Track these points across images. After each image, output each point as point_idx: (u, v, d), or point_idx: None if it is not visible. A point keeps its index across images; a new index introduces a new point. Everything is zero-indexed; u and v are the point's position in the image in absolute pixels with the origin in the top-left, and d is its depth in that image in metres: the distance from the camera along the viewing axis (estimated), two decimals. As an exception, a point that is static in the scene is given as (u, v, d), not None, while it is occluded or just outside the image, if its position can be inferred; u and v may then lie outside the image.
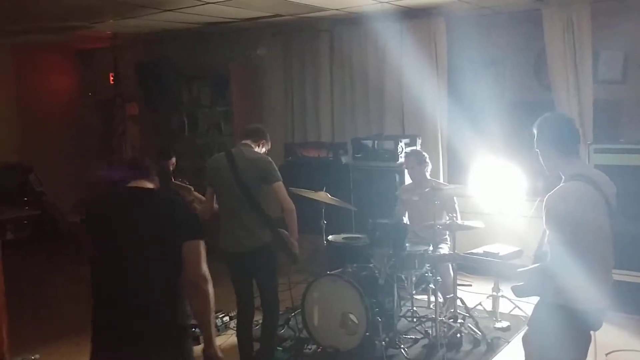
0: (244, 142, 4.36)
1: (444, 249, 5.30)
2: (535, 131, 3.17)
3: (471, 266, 5.58)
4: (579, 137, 3.18)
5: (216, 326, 5.32)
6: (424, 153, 5.61)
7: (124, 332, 2.70)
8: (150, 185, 2.95)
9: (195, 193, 4.74)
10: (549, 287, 3.01)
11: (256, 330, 4.58)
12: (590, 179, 3.00)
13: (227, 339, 5.25)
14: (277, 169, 4.25)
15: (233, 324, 5.35)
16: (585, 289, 2.91)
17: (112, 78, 9.03)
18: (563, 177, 3.08)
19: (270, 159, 4.32)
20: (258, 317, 4.56)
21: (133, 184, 2.93)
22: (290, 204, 4.21)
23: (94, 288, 2.82)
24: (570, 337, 3.01)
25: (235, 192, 4.17)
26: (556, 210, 2.94)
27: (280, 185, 4.19)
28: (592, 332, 3.14)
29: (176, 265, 2.73)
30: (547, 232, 3.04)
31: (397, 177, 6.35)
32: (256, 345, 4.49)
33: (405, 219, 5.57)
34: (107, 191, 2.88)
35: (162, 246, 2.74)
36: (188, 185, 4.85)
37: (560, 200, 2.95)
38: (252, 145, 4.35)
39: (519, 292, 3.15)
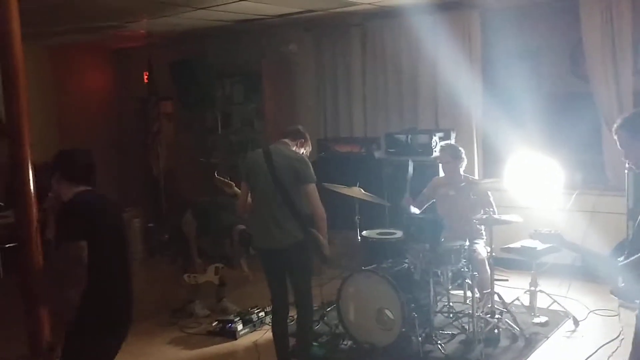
0: (282, 140, 4.38)
1: (480, 244, 5.24)
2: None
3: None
4: None
5: (252, 322, 5.40)
6: (460, 148, 5.53)
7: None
8: None
9: (236, 189, 4.79)
10: None
11: (291, 325, 4.60)
12: None
13: (262, 335, 5.28)
14: (311, 169, 4.22)
15: (269, 319, 5.38)
16: None
17: (146, 77, 9.13)
18: None
19: (306, 158, 4.31)
20: (293, 313, 4.57)
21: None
22: (318, 209, 4.15)
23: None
24: None
25: (270, 189, 4.19)
26: None
27: (311, 187, 4.15)
28: None
29: None
30: None
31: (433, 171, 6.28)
32: (292, 341, 4.50)
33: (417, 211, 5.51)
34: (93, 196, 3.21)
35: None
36: (230, 181, 4.94)
37: None
38: (290, 144, 4.36)
39: (622, 295, 3.00)
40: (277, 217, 4.19)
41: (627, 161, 3.11)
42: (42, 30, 7.34)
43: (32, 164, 5.00)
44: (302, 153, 4.42)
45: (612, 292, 3.03)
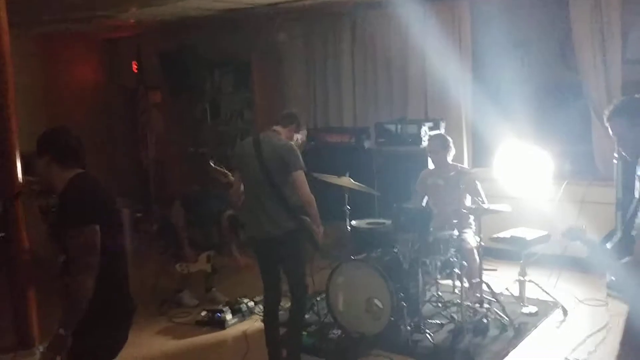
0: (274, 128, 4.33)
1: (469, 233, 5.25)
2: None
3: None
4: None
5: (241, 311, 5.40)
6: (448, 137, 5.54)
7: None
8: None
9: (231, 177, 4.75)
10: None
11: (282, 315, 4.59)
12: None
13: (252, 324, 5.28)
14: (299, 156, 4.17)
15: (257, 309, 5.39)
16: None
17: (135, 66, 9.08)
18: None
19: (293, 145, 4.25)
20: (284, 302, 4.56)
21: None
22: (307, 196, 4.11)
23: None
24: None
25: (259, 179, 4.16)
26: None
27: (299, 174, 4.11)
28: None
29: None
30: None
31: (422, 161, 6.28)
32: (282, 330, 4.49)
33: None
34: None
35: None
36: (225, 170, 4.90)
37: None
38: (281, 131, 4.32)
39: (616, 287, 3.03)
40: (266, 207, 4.17)
41: (619, 149, 3.08)
42: (30, 19, 7.27)
43: (19, 154, 4.98)
44: (297, 139, 4.38)
45: (607, 286, 3.07)
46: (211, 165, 4.98)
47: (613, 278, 3.04)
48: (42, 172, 2.99)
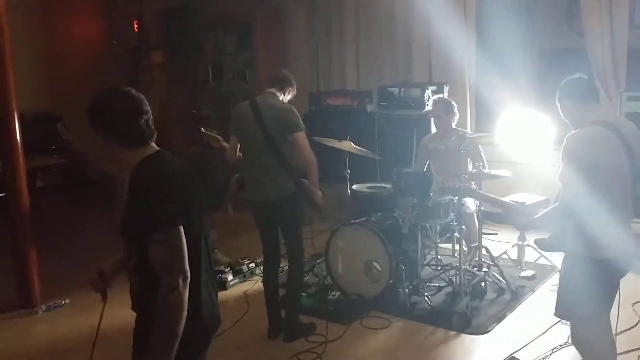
0: (269, 90, 4.31)
1: (469, 198, 5.25)
2: (558, 101, 3.26)
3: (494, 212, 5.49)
4: (593, 85, 3.27)
5: (242, 272, 5.45)
6: (452, 102, 5.49)
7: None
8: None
9: (224, 142, 4.69)
10: (573, 240, 3.02)
11: (282, 276, 4.64)
12: (611, 125, 3.01)
13: (252, 285, 5.34)
14: (299, 118, 4.20)
15: (259, 270, 5.43)
16: (605, 234, 2.92)
17: (136, 25, 8.97)
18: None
19: (293, 108, 4.26)
20: (284, 264, 4.60)
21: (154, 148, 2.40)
22: (309, 155, 4.14)
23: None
24: (598, 287, 3.00)
25: (259, 141, 4.16)
26: (573, 150, 3.00)
27: (300, 135, 4.13)
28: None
29: None
30: (561, 169, 3.07)
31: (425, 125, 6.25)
32: (282, 292, 4.54)
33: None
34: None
35: None
36: (217, 135, 4.83)
37: (578, 141, 3.01)
38: (278, 94, 4.30)
39: (544, 246, 3.16)
40: (268, 170, 4.18)
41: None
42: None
43: (19, 114, 4.97)
44: (289, 98, 4.38)
45: (535, 243, 3.28)
46: (202, 131, 4.87)
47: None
48: (106, 152, 2.34)
